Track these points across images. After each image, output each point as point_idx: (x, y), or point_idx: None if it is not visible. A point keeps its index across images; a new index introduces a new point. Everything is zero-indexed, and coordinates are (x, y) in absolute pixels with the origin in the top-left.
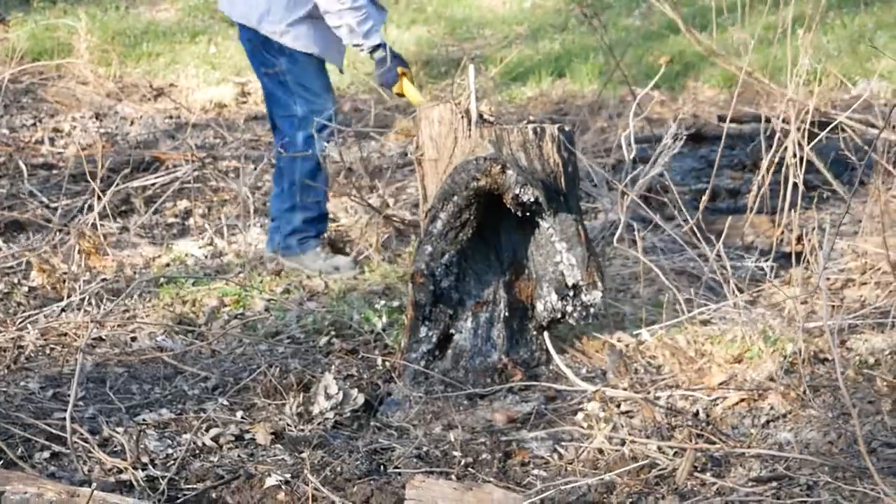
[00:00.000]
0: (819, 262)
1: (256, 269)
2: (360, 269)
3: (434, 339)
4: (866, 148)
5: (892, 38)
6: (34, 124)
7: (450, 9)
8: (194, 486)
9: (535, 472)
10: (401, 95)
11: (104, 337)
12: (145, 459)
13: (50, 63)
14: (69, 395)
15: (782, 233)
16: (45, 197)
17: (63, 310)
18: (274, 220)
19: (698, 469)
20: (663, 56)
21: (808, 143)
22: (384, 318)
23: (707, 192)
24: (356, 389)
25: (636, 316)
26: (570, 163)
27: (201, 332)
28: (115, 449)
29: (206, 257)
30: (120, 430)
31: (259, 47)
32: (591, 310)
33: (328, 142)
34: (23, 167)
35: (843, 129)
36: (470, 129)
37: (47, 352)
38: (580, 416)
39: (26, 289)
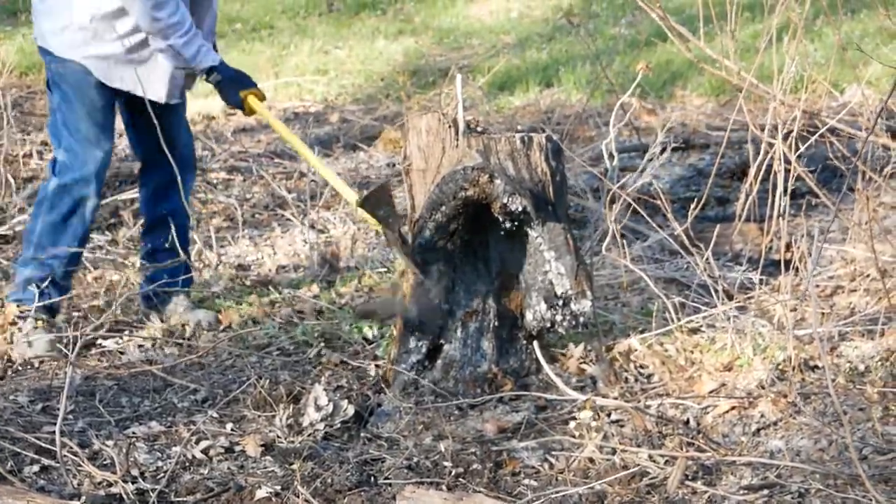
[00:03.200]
0: (808, 270)
1: (241, 280)
2: (55, 352)
3: (424, 350)
4: (851, 157)
5: (878, 45)
6: (22, 138)
7: (437, 19)
8: (184, 498)
9: (526, 481)
10: (253, 112)
11: (93, 350)
12: (135, 472)
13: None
14: (58, 409)
15: (771, 240)
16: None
17: None
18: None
19: (689, 477)
20: (640, 63)
21: (796, 151)
22: (374, 330)
23: (701, 199)
24: (346, 401)
25: (625, 325)
26: (558, 172)
27: (190, 344)
28: (105, 462)
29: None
30: (110, 443)
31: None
32: (581, 319)
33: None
34: (11, 181)
35: (830, 135)
36: (458, 139)
37: (36, 365)
38: (571, 425)
39: None
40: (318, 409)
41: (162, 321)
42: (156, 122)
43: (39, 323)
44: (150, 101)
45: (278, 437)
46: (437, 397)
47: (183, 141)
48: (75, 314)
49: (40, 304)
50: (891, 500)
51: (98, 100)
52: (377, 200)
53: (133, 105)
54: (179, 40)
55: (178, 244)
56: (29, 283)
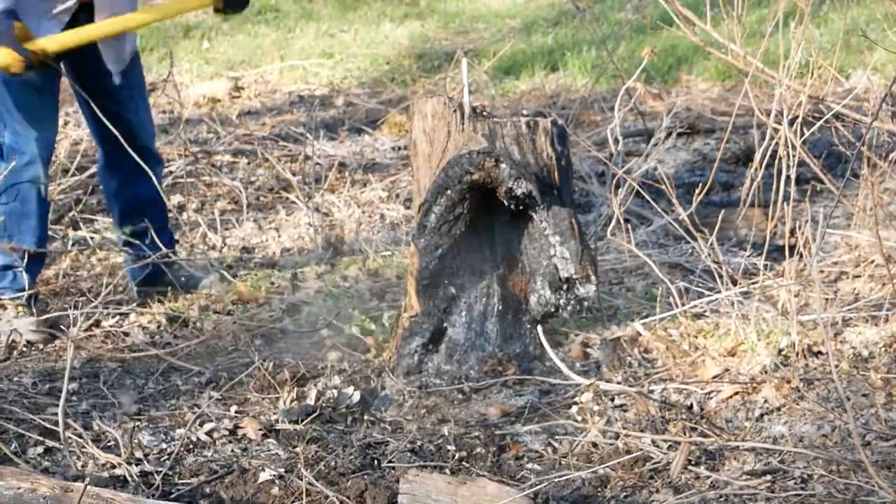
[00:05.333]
0: (812, 255)
1: (245, 263)
2: (46, 337)
3: (427, 334)
4: (856, 143)
5: (884, 31)
6: None
7: (443, 3)
8: (188, 480)
9: (530, 465)
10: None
11: (98, 332)
12: (139, 454)
13: None
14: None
15: (775, 226)
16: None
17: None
18: None
19: (692, 462)
20: (646, 47)
21: (801, 136)
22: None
23: (706, 184)
24: (350, 384)
25: (630, 309)
26: (563, 156)
27: (195, 326)
28: (109, 444)
29: (200, 252)
30: (113, 425)
31: None
32: (585, 303)
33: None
34: None
35: (836, 120)
36: (463, 123)
37: (40, 347)
38: (574, 409)
39: None
40: (322, 392)
41: (161, 301)
42: (99, 101)
43: (20, 309)
44: (93, 80)
45: (282, 420)
46: (441, 381)
47: (146, 131)
48: (82, 298)
49: (18, 293)
50: (894, 486)
51: (34, 80)
52: None
53: (80, 86)
54: None
55: (158, 236)
56: (2, 272)
